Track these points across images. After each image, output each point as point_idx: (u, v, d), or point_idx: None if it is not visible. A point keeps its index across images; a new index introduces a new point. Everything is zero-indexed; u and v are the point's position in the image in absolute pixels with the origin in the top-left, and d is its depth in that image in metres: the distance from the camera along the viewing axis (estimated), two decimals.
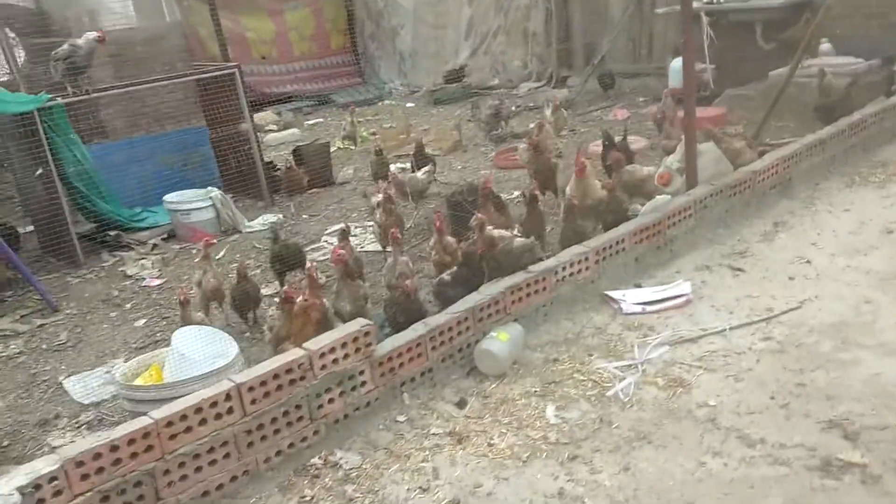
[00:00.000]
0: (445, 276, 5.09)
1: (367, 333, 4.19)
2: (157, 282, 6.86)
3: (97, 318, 6.27)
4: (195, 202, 7.80)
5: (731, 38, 10.60)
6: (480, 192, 6.01)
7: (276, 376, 3.86)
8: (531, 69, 14.86)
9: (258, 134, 13.20)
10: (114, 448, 3.41)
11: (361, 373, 4.22)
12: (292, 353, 3.96)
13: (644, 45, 13.29)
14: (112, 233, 7.85)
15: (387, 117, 13.85)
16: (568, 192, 6.18)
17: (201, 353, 4.15)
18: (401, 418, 4.34)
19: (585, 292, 5.48)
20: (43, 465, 3.27)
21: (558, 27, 14.29)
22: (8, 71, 11.75)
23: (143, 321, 6.13)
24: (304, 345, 4.03)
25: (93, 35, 7.01)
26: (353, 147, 11.01)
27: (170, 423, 3.55)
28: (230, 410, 3.73)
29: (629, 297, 5.40)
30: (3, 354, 5.70)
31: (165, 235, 8.01)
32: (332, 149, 11.67)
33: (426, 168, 7.67)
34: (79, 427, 4.64)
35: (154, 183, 8.63)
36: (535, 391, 4.47)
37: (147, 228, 8.10)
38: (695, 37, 8.68)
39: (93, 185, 7.71)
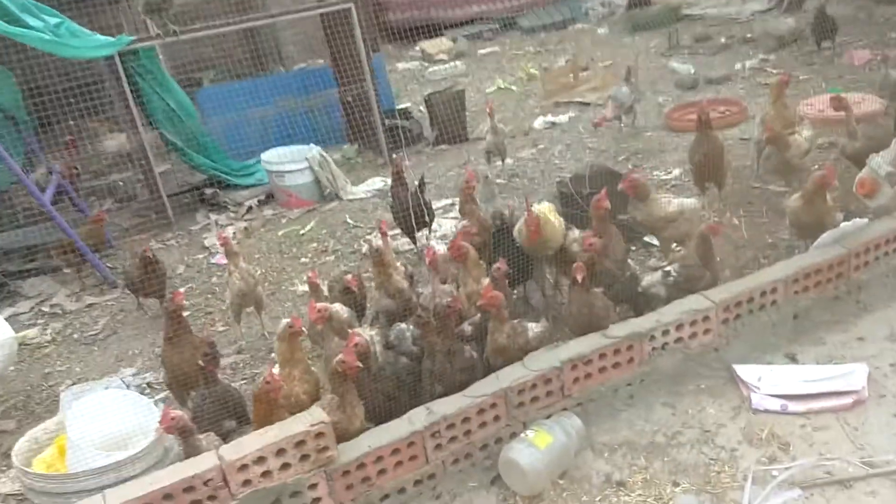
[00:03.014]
0: (466, 325, 3.72)
1: (319, 434, 2.98)
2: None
3: (145, 305, 5.60)
4: (289, 163, 6.84)
5: None
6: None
7: (167, 497, 2.79)
8: None
9: (426, 64, 12.25)
10: None
11: (313, 487, 3.04)
12: (197, 464, 2.86)
13: None
14: (209, 190, 7.17)
15: (571, 46, 11.99)
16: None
17: (105, 433, 3.17)
18: None
19: (702, 364, 3.82)
20: None
21: None
22: None
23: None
24: (221, 451, 2.91)
25: None
26: (499, 162, 6.98)
27: None
28: None
29: (766, 382, 3.66)
30: (34, 341, 5.21)
31: (264, 196, 7.18)
32: (491, 89, 10.25)
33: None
34: None
35: (272, 130, 7.83)
36: None
37: (251, 186, 7.32)
38: None
39: (189, 135, 7.00)
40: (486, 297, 3.50)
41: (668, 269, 4.11)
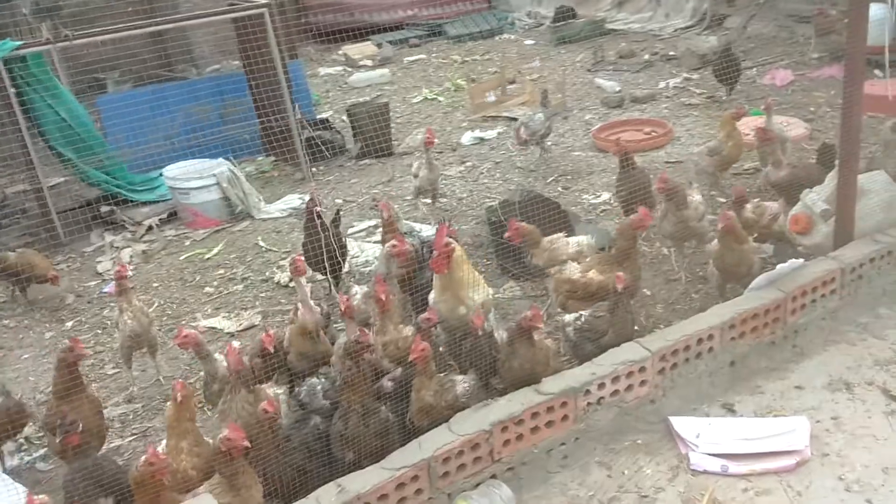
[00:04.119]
0: (386, 381, 3.37)
1: None
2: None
3: (27, 340, 5.03)
4: (195, 179, 6.32)
5: None
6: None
7: None
8: (693, 4, 12.12)
9: (350, 69, 11.79)
10: None
11: None
12: None
13: None
14: (105, 208, 6.55)
15: (498, 57, 11.74)
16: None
17: None
18: None
19: (639, 419, 3.58)
20: None
21: None
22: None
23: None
24: None
25: None
26: (429, 201, 6.10)
27: None
28: None
29: (705, 439, 3.44)
30: None
31: (166, 215, 6.62)
32: (418, 99, 9.91)
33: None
34: None
35: (181, 141, 7.24)
36: None
37: (153, 202, 6.75)
38: None
39: (83, 146, 6.37)
40: (416, 350, 3.15)
41: (582, 313, 3.87)
